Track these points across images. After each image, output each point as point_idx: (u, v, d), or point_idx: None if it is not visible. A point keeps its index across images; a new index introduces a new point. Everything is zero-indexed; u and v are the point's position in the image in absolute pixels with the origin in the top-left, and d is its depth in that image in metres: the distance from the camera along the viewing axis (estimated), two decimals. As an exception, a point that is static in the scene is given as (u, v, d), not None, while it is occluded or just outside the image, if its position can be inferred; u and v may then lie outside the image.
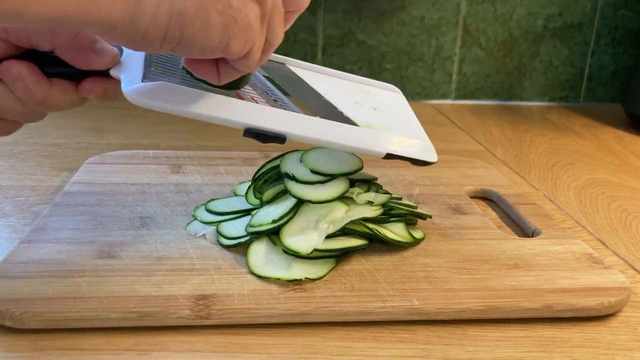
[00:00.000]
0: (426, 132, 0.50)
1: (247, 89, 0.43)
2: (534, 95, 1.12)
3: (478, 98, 1.11)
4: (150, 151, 0.66)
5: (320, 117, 0.42)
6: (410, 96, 1.08)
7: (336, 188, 0.45)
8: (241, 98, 0.40)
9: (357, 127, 0.43)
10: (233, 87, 0.41)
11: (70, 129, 0.78)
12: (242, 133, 0.40)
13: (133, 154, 0.65)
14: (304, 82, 0.49)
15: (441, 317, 0.40)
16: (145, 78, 0.38)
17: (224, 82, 0.37)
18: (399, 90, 0.56)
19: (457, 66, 1.08)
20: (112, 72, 0.38)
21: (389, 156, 0.44)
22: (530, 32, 1.08)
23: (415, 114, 0.53)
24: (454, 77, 1.09)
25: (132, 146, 0.72)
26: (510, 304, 0.40)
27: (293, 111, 0.42)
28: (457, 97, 1.10)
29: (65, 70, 0.38)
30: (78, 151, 0.70)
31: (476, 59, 1.08)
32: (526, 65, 1.10)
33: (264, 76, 0.48)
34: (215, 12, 0.30)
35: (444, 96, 1.10)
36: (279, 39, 0.35)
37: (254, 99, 0.42)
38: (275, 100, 0.44)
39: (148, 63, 0.40)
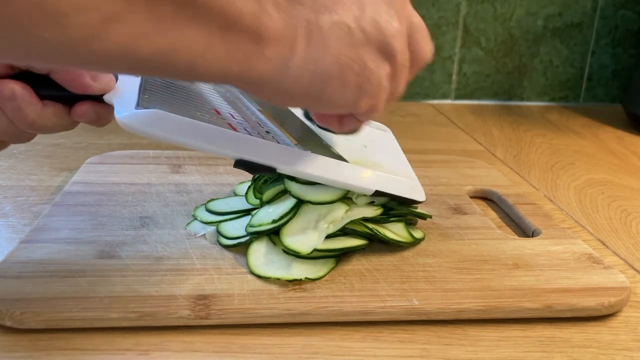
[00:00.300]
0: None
1: (240, 120, 0.43)
2: (534, 95, 1.12)
3: (478, 98, 1.11)
4: (150, 151, 0.66)
5: (311, 152, 0.43)
6: (410, 96, 1.08)
7: (337, 189, 0.45)
8: (234, 129, 0.40)
9: (347, 164, 0.44)
10: (350, 133, 0.43)
11: (70, 129, 0.78)
12: (233, 164, 0.40)
13: (133, 154, 0.65)
14: (296, 117, 0.49)
15: (441, 317, 0.40)
16: (138, 105, 0.38)
17: (345, 130, 0.39)
18: (388, 129, 0.57)
19: (457, 66, 1.08)
20: (106, 98, 0.38)
21: (378, 193, 0.44)
22: (530, 32, 1.08)
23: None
24: (454, 77, 1.09)
25: (132, 146, 0.71)
26: (510, 304, 0.40)
27: (285, 143, 0.43)
28: (457, 97, 1.10)
29: (59, 93, 0.37)
30: (78, 151, 0.70)
31: (476, 59, 1.08)
32: (526, 65, 1.10)
33: (257, 109, 0.48)
34: (352, 73, 0.32)
35: (444, 96, 1.10)
36: (402, 92, 0.37)
37: (246, 131, 0.42)
38: (268, 132, 0.44)
39: (142, 90, 0.40)
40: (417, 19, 0.35)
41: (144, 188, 0.56)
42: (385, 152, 0.52)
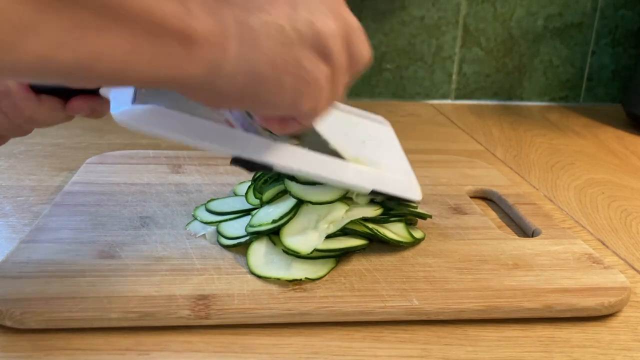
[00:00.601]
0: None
1: (237, 116, 0.43)
2: (534, 95, 1.12)
3: (478, 98, 1.11)
4: (150, 151, 0.66)
5: (309, 148, 0.42)
6: (410, 96, 1.08)
7: (336, 189, 0.45)
8: (231, 125, 0.40)
9: (344, 162, 0.44)
10: (294, 137, 0.42)
11: (70, 129, 0.78)
12: (230, 161, 0.40)
13: (133, 154, 0.65)
14: None
15: (441, 317, 0.40)
16: (135, 100, 0.37)
17: (287, 133, 0.38)
18: (388, 122, 0.57)
19: (457, 66, 1.08)
20: (102, 92, 0.38)
21: (375, 192, 0.44)
22: (530, 32, 1.08)
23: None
24: (454, 77, 1.09)
25: (132, 146, 0.72)
26: (510, 304, 0.40)
27: (282, 141, 0.42)
28: (457, 97, 1.10)
29: (54, 87, 0.37)
30: (78, 151, 0.70)
31: (476, 59, 1.08)
32: (526, 65, 1.10)
33: None
34: (289, 75, 0.31)
35: (444, 96, 1.10)
36: (341, 96, 0.37)
37: (243, 127, 0.41)
38: (265, 129, 0.43)
39: None
40: (353, 19, 0.35)
41: (144, 188, 0.56)
42: (384, 148, 0.52)
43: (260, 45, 0.30)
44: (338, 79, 0.35)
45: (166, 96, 0.40)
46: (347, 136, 0.50)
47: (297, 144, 0.41)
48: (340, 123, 0.52)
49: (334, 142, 0.47)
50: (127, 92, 0.38)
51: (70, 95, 0.38)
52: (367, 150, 0.50)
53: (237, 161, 0.40)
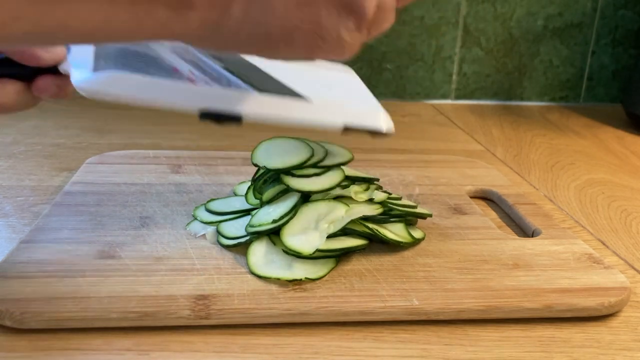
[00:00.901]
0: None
1: (199, 76, 0.42)
2: (534, 95, 1.12)
3: (478, 98, 1.11)
4: (150, 151, 0.66)
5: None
6: (410, 96, 1.08)
7: (333, 177, 0.46)
8: (192, 81, 0.40)
9: (313, 103, 0.42)
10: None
11: (70, 129, 0.78)
12: (198, 118, 0.38)
13: (133, 154, 0.65)
14: (258, 68, 0.48)
15: (441, 317, 0.40)
16: (95, 69, 0.37)
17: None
18: (351, 69, 0.56)
19: (457, 66, 1.08)
20: (61, 68, 0.38)
21: (347, 130, 0.43)
22: (530, 32, 1.08)
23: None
24: (454, 77, 1.09)
25: (132, 146, 0.71)
26: (510, 304, 0.40)
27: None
28: (457, 97, 1.10)
29: (15, 70, 0.37)
30: (78, 151, 0.70)
31: (476, 59, 1.08)
32: (526, 65, 1.10)
33: (220, 66, 0.47)
34: (301, 34, 0.29)
35: (444, 96, 1.10)
36: (388, 25, 0.33)
37: (207, 85, 0.41)
38: (229, 85, 0.43)
39: (97, 56, 0.39)
40: None
41: (144, 188, 0.56)
42: (350, 90, 0.51)
43: (272, 7, 0.27)
44: (378, 19, 0.31)
45: (126, 64, 0.39)
46: (312, 83, 0.49)
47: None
48: (304, 74, 0.51)
49: (300, 89, 0.46)
50: (86, 64, 0.37)
51: (33, 77, 0.38)
52: (334, 93, 0.49)
53: (205, 115, 0.38)
